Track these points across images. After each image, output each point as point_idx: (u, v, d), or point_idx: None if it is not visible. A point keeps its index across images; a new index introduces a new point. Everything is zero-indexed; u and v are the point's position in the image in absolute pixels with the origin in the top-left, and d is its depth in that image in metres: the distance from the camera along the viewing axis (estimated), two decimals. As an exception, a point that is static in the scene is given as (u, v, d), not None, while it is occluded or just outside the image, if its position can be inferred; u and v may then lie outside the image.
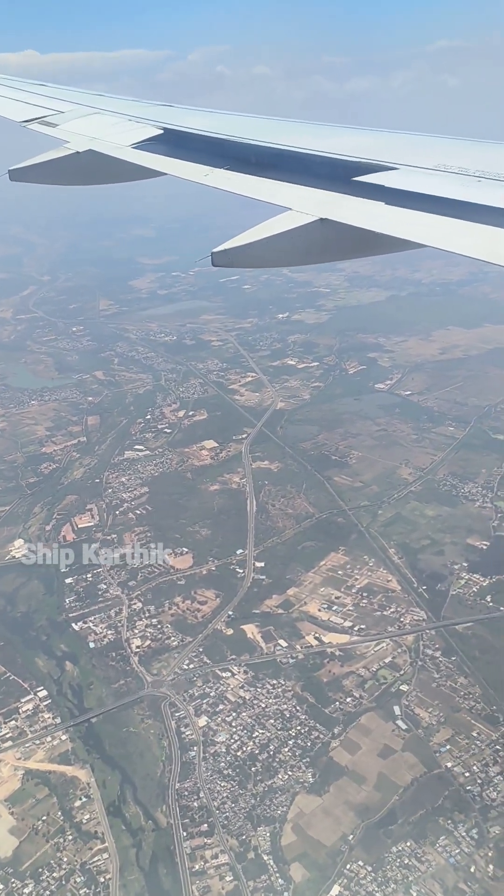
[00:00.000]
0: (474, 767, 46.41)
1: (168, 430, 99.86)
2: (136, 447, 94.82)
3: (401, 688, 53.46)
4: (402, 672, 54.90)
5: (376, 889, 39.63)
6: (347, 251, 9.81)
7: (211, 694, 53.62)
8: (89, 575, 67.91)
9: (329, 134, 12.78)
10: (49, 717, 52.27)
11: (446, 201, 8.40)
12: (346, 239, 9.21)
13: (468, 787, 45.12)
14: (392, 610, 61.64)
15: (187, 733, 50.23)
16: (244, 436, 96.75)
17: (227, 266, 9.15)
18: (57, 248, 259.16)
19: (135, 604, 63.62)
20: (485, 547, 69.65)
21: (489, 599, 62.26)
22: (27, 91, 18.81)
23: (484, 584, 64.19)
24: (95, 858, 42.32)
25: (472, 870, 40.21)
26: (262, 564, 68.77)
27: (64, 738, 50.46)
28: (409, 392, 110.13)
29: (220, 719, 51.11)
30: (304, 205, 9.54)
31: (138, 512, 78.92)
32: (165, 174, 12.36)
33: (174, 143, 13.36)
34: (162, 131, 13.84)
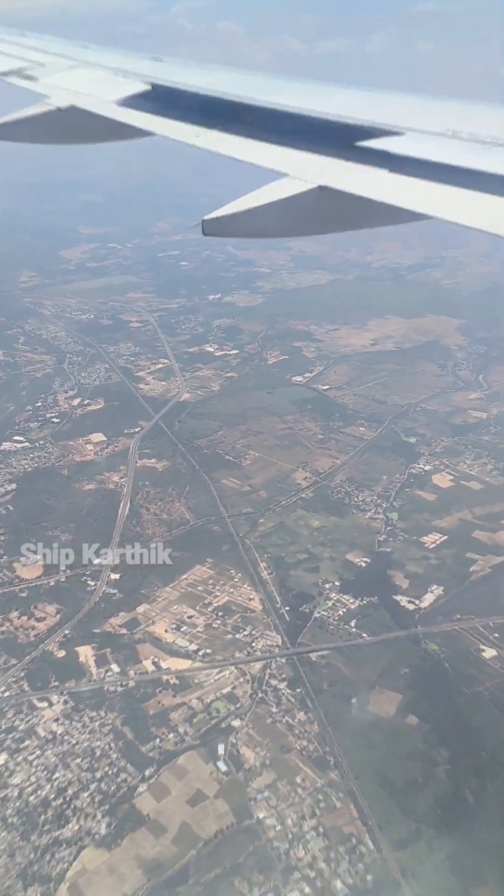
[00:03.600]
0: (288, 820, 44.17)
1: (56, 420, 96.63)
2: (16, 438, 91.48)
3: (232, 723, 51.14)
4: (238, 705, 52.59)
5: None
6: (348, 222, 9.66)
7: (20, 727, 50.82)
8: None
9: (331, 94, 12.34)
10: None
11: (456, 169, 8.32)
12: (346, 209, 9.06)
13: (276, 844, 42.85)
14: (246, 633, 59.32)
15: (-20, 773, 47.45)
16: (138, 430, 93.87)
17: (217, 235, 9.04)
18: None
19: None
20: (364, 564, 67.56)
21: (353, 625, 60.14)
22: (4, 41, 18.10)
23: (352, 607, 62.08)
24: None
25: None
26: (118, 577, 65.97)
27: None
28: (327, 386, 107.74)
29: (21, 757, 48.39)
30: (302, 171, 9.34)
31: (-2, 512, 75.79)
32: (153, 134, 11.97)
33: (163, 100, 13.04)
34: (150, 87, 13.51)
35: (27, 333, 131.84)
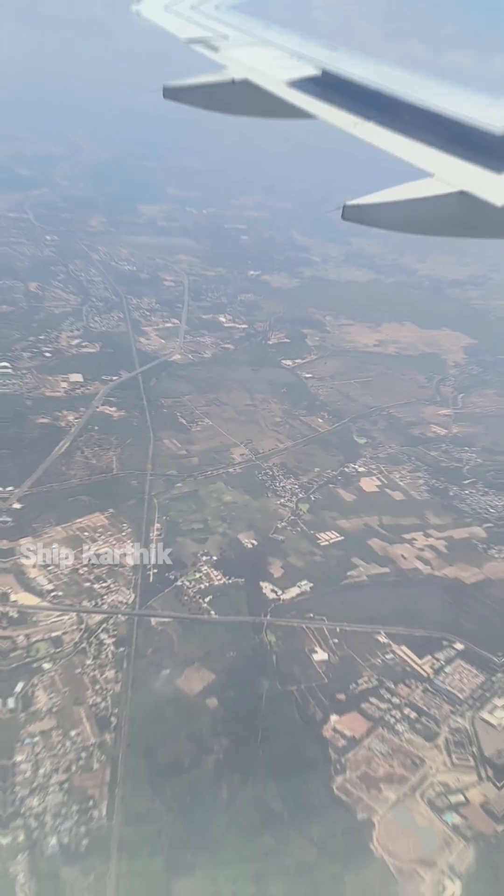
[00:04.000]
0: (41, 770, 41.68)
1: (48, 355, 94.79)
2: (3, 364, 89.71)
3: (43, 665, 48.64)
4: (59, 650, 50.14)
5: None
6: (484, 229, 9.27)
7: None
8: None
9: (488, 104, 11.74)
10: None
11: None
12: (485, 216, 8.71)
13: (17, 789, 40.47)
14: (104, 585, 56.66)
15: None
16: (115, 378, 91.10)
17: (356, 221, 8.84)
18: (100, 158, 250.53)
19: None
20: (251, 546, 63.90)
21: (207, 600, 56.65)
22: (199, 10, 17.89)
23: (216, 584, 58.64)
24: None
25: None
26: (21, 507, 63.76)
27: None
28: (310, 375, 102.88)
29: None
30: (447, 174, 9.12)
31: None
32: (315, 117, 11.73)
33: (330, 86, 12.66)
34: (320, 73, 13.22)
35: (68, 273, 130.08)
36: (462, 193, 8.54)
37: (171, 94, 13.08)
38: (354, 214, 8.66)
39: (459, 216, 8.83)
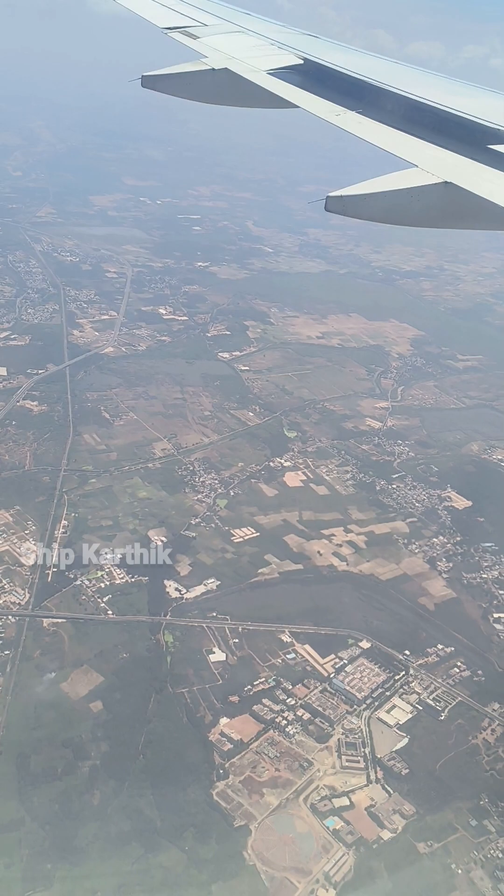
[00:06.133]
0: None
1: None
2: None
3: None
4: None
5: None
6: (468, 221, 9.31)
7: None
8: None
9: (472, 94, 11.90)
10: None
11: None
12: (469, 208, 8.75)
13: None
14: (-2, 585, 54.62)
15: None
16: (41, 372, 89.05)
17: (339, 213, 8.89)
18: (57, 149, 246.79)
19: None
20: (160, 543, 62.32)
21: (106, 600, 55.15)
22: None
23: (117, 583, 57.26)
24: None
25: None
26: None
27: None
28: (246, 368, 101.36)
29: None
30: (431, 164, 9.11)
31: None
32: (297, 107, 11.68)
33: (312, 75, 12.76)
34: (302, 61, 13.21)
35: (6, 263, 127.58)
36: (447, 184, 8.52)
37: (150, 83, 12.95)
38: (337, 206, 8.55)
39: (444, 207, 8.78)
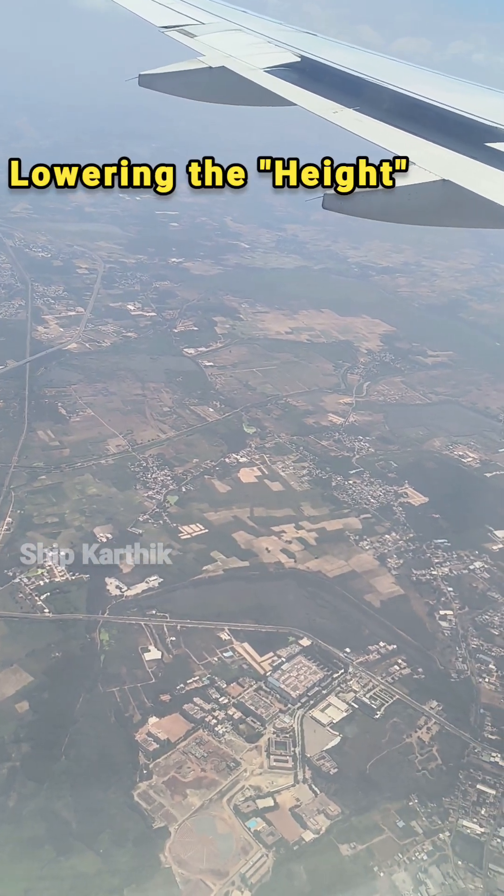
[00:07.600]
0: None
1: None
2: None
3: None
4: None
5: None
6: (465, 218, 9.33)
7: None
8: None
9: (468, 91, 11.97)
10: None
11: None
12: (466, 206, 8.72)
13: None
14: None
15: None
16: (0, 368, 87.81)
17: (338, 211, 8.81)
18: (40, 145, 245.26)
19: None
20: (105, 540, 61.41)
21: (43, 598, 54.24)
22: None
23: (57, 580, 56.39)
24: None
25: None
26: None
27: None
28: (211, 363, 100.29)
29: None
30: (428, 162, 9.04)
31: None
32: (294, 105, 11.69)
33: (309, 73, 12.73)
34: (299, 59, 13.20)
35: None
36: (444, 182, 8.49)
37: (147, 81, 12.79)
38: (334, 204, 8.49)
39: (441, 205, 8.72)
